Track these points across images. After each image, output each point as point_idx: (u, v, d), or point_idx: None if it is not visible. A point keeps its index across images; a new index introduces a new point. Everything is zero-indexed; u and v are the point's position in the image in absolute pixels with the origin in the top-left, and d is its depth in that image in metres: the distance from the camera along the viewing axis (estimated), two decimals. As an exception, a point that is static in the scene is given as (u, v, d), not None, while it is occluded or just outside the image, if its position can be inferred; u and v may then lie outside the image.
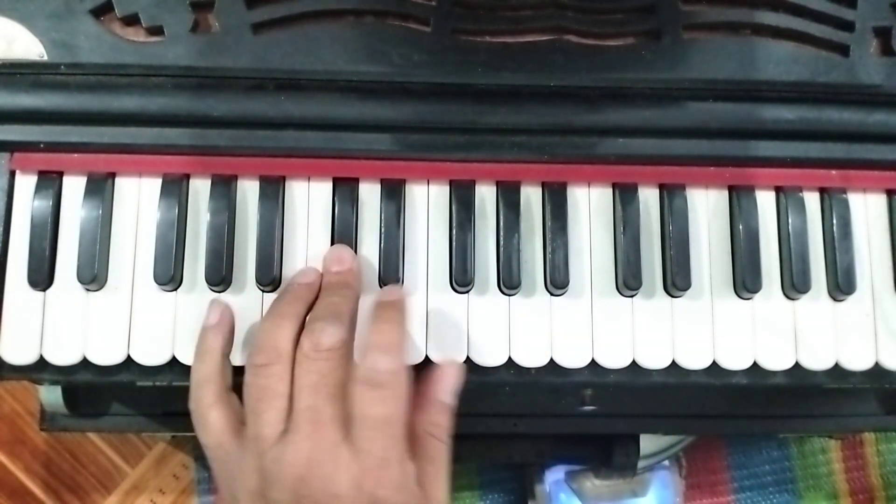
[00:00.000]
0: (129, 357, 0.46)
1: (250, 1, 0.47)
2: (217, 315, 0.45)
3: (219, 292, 0.46)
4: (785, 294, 0.48)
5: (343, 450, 0.40)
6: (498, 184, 0.48)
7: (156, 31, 0.47)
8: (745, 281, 0.47)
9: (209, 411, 0.43)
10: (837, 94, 0.48)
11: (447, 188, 0.48)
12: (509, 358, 0.46)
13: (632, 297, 0.47)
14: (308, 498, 0.40)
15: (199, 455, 0.73)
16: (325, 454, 0.40)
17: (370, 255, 0.47)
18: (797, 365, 0.47)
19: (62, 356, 0.45)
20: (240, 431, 0.43)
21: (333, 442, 0.40)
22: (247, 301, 0.46)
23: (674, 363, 0.47)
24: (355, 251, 0.47)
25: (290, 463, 0.40)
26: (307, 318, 0.44)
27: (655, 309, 0.47)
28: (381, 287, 0.47)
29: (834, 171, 0.49)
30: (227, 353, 0.45)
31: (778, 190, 0.49)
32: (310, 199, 0.47)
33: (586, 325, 0.47)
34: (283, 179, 0.47)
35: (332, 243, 0.46)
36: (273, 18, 0.47)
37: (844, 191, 0.49)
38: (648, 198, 0.48)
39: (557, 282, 0.46)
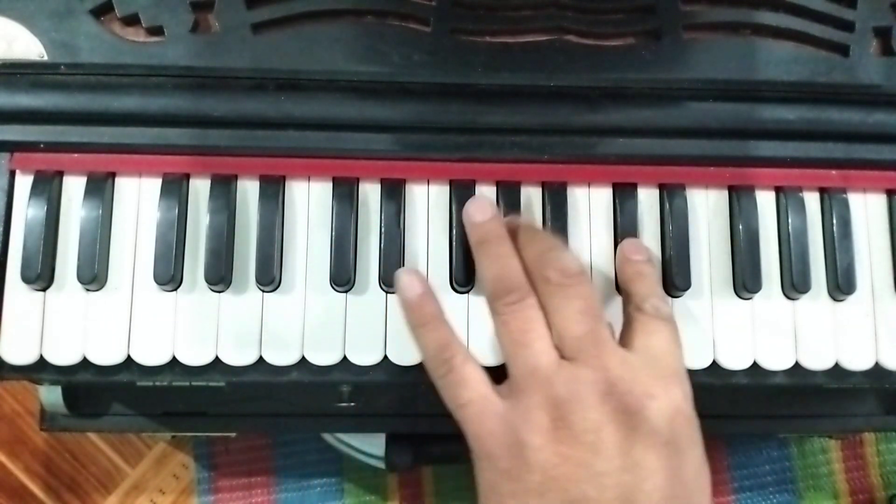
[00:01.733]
0: (129, 357, 0.46)
1: (250, 1, 0.47)
2: (418, 284, 0.44)
3: (219, 292, 0.46)
4: (785, 294, 0.48)
5: (635, 361, 0.40)
6: (498, 184, 0.48)
7: (156, 31, 0.47)
8: (745, 281, 0.47)
9: (465, 367, 0.41)
10: (837, 94, 0.48)
11: (447, 188, 0.48)
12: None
13: (632, 297, 0.47)
14: (619, 409, 0.38)
15: (199, 455, 0.73)
16: (622, 367, 0.39)
17: (370, 255, 0.47)
18: (797, 365, 0.47)
19: (62, 356, 0.45)
20: (494, 386, 0.41)
21: (622, 356, 0.40)
22: (247, 301, 0.46)
23: (674, 363, 0.47)
24: (355, 251, 0.47)
25: (591, 379, 0.38)
26: (527, 256, 0.43)
27: (655, 309, 0.47)
28: (381, 285, 0.47)
29: (834, 171, 0.49)
30: (444, 318, 0.43)
31: (778, 190, 0.49)
32: (310, 199, 0.47)
33: (586, 325, 0.47)
34: (283, 179, 0.47)
35: (333, 243, 0.46)
36: (273, 18, 0.47)
37: (844, 191, 0.49)
38: (648, 198, 0.48)
39: (557, 282, 0.46)
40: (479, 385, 0.41)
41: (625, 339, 0.43)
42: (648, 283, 0.45)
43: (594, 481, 0.37)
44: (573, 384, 0.38)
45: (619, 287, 0.47)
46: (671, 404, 0.39)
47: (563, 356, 0.40)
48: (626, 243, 0.46)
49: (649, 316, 0.43)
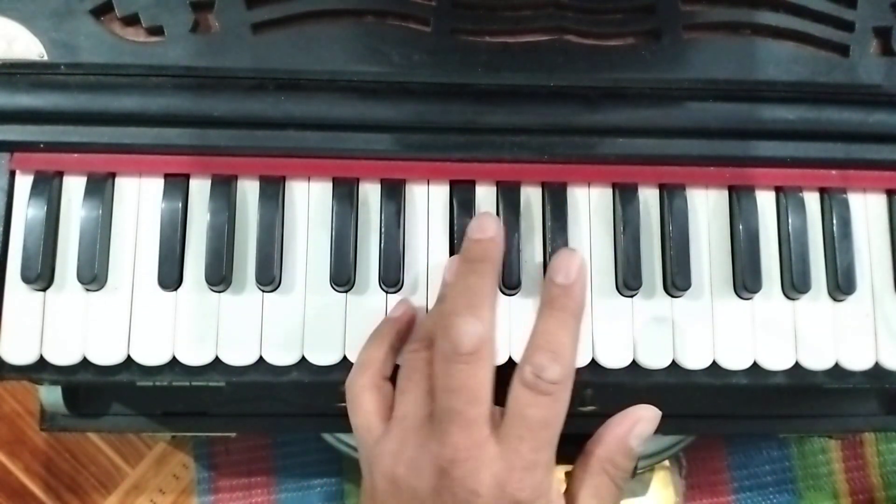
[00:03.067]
0: (129, 357, 0.46)
1: (250, 1, 0.47)
2: (400, 311, 0.45)
3: (219, 292, 0.46)
4: (785, 294, 0.48)
5: (490, 446, 0.39)
6: (498, 184, 0.48)
7: (156, 31, 0.47)
8: (745, 281, 0.47)
9: (363, 393, 0.43)
10: (837, 94, 0.48)
11: (447, 188, 0.48)
12: (510, 358, 0.46)
13: (632, 297, 0.47)
14: (447, 490, 0.39)
15: (199, 455, 0.73)
16: (470, 451, 0.39)
17: (370, 255, 0.47)
18: (797, 365, 0.47)
19: (62, 356, 0.45)
20: (387, 417, 0.42)
21: (477, 440, 0.39)
22: (247, 301, 0.46)
23: (674, 363, 0.47)
24: (355, 251, 0.47)
25: (434, 455, 0.39)
26: (440, 306, 0.43)
27: (655, 309, 0.47)
28: (382, 287, 0.47)
29: (834, 171, 0.49)
30: (396, 346, 0.44)
31: (778, 190, 0.49)
32: (310, 199, 0.47)
33: (586, 325, 0.47)
34: (283, 179, 0.47)
35: (333, 243, 0.46)
36: (273, 18, 0.47)
37: (844, 191, 0.49)
38: (648, 198, 0.48)
39: (557, 282, 0.46)
40: (368, 415, 0.43)
41: (506, 408, 0.41)
42: (552, 328, 0.42)
43: None
44: (419, 451, 0.40)
45: (619, 288, 0.47)
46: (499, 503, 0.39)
47: (431, 415, 0.41)
48: (559, 255, 0.44)
49: (526, 387, 0.40)
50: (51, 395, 0.55)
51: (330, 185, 0.47)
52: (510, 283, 0.46)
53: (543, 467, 0.40)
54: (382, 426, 0.42)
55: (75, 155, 0.47)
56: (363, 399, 0.43)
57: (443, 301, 0.45)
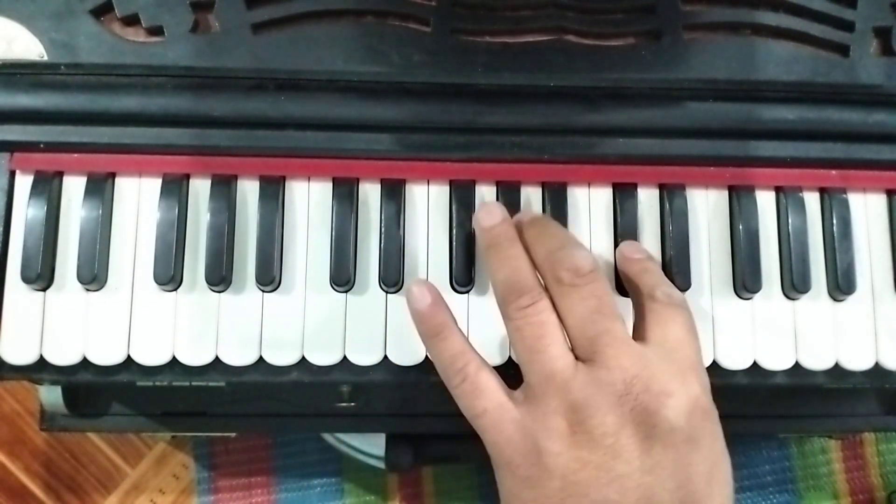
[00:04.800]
0: (129, 357, 0.46)
1: (250, 1, 0.47)
2: (429, 294, 0.43)
3: (219, 292, 0.46)
4: (785, 294, 0.48)
5: (652, 356, 0.39)
6: (498, 184, 0.48)
7: (156, 31, 0.47)
8: (745, 281, 0.47)
9: (479, 375, 0.40)
10: (837, 94, 0.48)
11: (447, 188, 0.48)
12: (509, 358, 0.46)
13: (632, 297, 0.47)
14: (637, 410, 0.37)
15: (199, 455, 0.73)
16: (638, 364, 0.38)
17: (370, 255, 0.47)
18: (797, 365, 0.47)
19: (62, 356, 0.45)
20: (510, 392, 0.41)
21: (639, 352, 0.39)
22: (247, 301, 0.46)
23: (674, 363, 0.47)
24: (355, 251, 0.47)
25: (607, 382, 0.38)
26: (537, 255, 0.42)
27: (655, 309, 0.47)
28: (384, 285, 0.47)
29: (834, 171, 0.49)
30: (459, 328, 0.43)
31: (778, 190, 0.49)
32: (310, 199, 0.47)
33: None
34: (283, 179, 0.47)
35: (333, 243, 0.46)
36: (273, 18, 0.47)
37: (844, 191, 0.49)
38: (648, 198, 0.48)
39: (557, 282, 0.46)
40: (495, 393, 0.40)
41: (639, 333, 0.42)
42: (655, 275, 0.44)
43: (615, 484, 0.37)
44: (589, 388, 0.38)
45: (619, 288, 0.47)
46: (689, 400, 0.38)
47: (578, 357, 0.39)
48: (625, 246, 0.46)
49: (662, 304, 0.42)
50: (51, 395, 0.55)
51: (330, 185, 0.47)
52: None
53: (697, 370, 0.41)
54: (512, 400, 0.40)
55: (75, 155, 0.47)
56: (485, 380, 0.40)
57: (501, 258, 0.43)
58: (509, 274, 0.41)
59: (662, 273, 0.45)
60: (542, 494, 0.38)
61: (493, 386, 0.40)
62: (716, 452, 0.39)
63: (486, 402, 0.40)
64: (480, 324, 0.46)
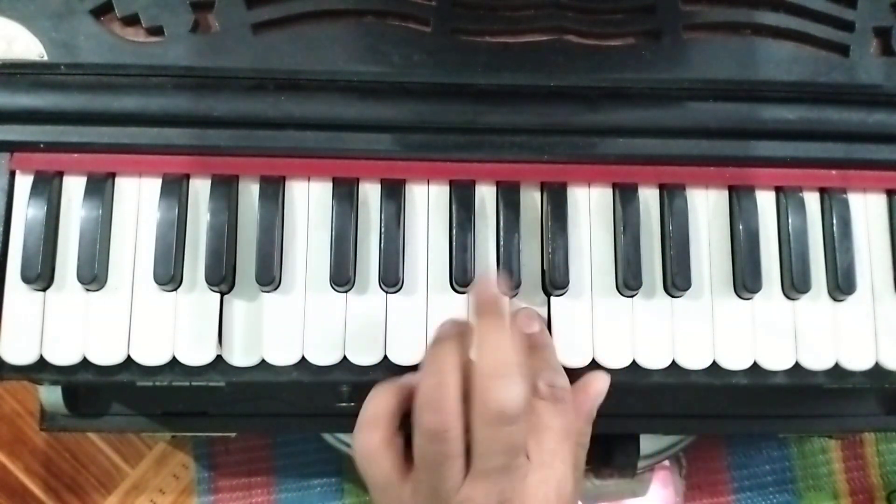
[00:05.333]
0: (129, 357, 0.46)
1: (250, 1, 0.47)
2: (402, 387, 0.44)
3: (219, 292, 0.46)
4: (785, 294, 0.48)
5: (530, 480, 0.41)
6: (498, 184, 0.48)
7: (156, 31, 0.47)
8: (745, 281, 0.47)
9: (378, 451, 0.42)
10: (837, 94, 0.48)
11: (447, 188, 0.48)
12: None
13: (632, 297, 0.47)
14: None
15: (198, 455, 0.73)
16: (515, 490, 0.41)
17: (370, 255, 0.47)
18: (797, 365, 0.47)
19: (62, 356, 0.45)
20: (406, 471, 0.42)
21: (521, 478, 0.41)
22: (247, 301, 0.46)
23: (674, 363, 0.47)
24: (355, 251, 0.47)
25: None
26: (477, 369, 0.40)
27: (655, 309, 0.47)
28: (381, 286, 0.47)
29: (834, 171, 0.49)
30: (400, 405, 0.43)
31: (778, 190, 0.49)
32: (310, 199, 0.47)
33: (586, 325, 0.47)
34: (283, 179, 0.47)
35: (333, 243, 0.46)
36: (273, 18, 0.47)
37: (844, 191, 0.49)
38: (648, 198, 0.48)
39: (557, 282, 0.46)
40: (388, 473, 0.43)
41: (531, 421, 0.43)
42: (548, 355, 0.45)
43: None
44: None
45: (619, 288, 0.47)
46: None
47: (468, 468, 0.41)
48: (521, 313, 0.46)
49: (543, 402, 0.43)
50: (51, 395, 0.55)
51: (330, 185, 0.47)
52: (510, 283, 0.46)
53: (577, 471, 0.44)
54: (402, 481, 0.42)
55: (75, 155, 0.47)
56: (380, 457, 0.42)
57: (447, 354, 0.42)
58: (432, 387, 0.41)
59: (552, 348, 0.46)
60: None
61: (388, 465, 0.43)
62: None
63: (376, 476, 0.43)
64: (480, 324, 0.46)
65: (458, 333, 0.43)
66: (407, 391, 0.43)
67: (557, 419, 0.43)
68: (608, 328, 0.47)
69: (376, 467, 0.43)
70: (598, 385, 0.46)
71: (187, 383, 0.47)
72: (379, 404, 0.43)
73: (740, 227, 0.47)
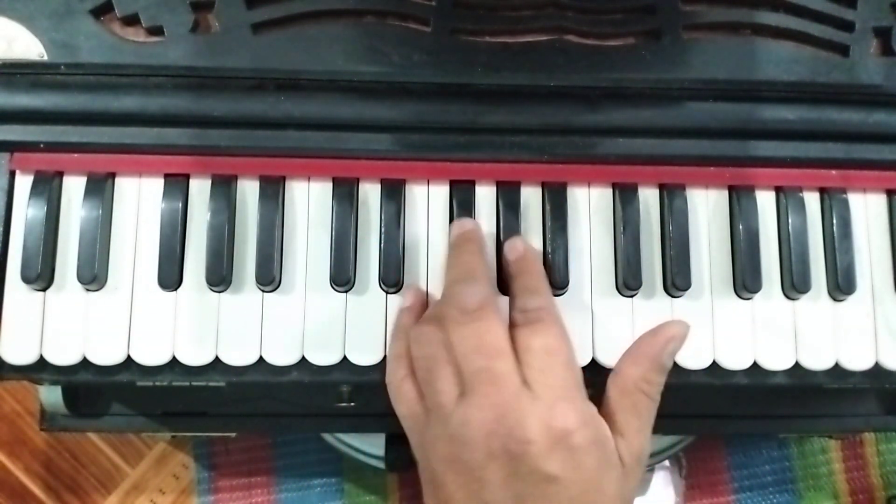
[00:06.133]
0: (129, 357, 0.46)
1: (250, 1, 0.47)
2: (411, 298, 0.46)
3: (219, 292, 0.46)
4: (785, 294, 0.48)
5: (524, 394, 0.40)
6: (498, 184, 0.48)
7: (156, 31, 0.47)
8: (745, 281, 0.47)
9: (402, 384, 0.44)
10: (837, 94, 0.48)
11: (447, 188, 0.48)
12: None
13: (632, 297, 0.47)
14: (501, 450, 0.39)
15: (199, 455, 0.73)
16: (509, 404, 0.40)
17: (370, 255, 0.47)
18: (797, 365, 0.47)
19: (62, 356, 0.45)
20: (422, 405, 0.43)
21: (513, 391, 0.40)
22: (247, 301, 0.46)
23: (674, 363, 0.47)
24: (355, 251, 0.47)
25: (478, 421, 0.40)
26: (444, 284, 0.45)
27: (655, 309, 0.47)
28: (381, 285, 0.47)
29: (834, 171, 0.49)
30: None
31: (778, 190, 0.49)
32: (310, 199, 0.47)
33: (586, 324, 0.47)
34: (283, 179, 0.47)
35: (333, 243, 0.46)
36: (273, 18, 0.47)
37: (844, 191, 0.49)
38: (648, 198, 0.48)
39: (557, 282, 0.46)
40: (412, 404, 0.44)
41: (517, 359, 0.43)
42: (522, 280, 0.45)
43: None
44: (463, 426, 0.40)
45: (619, 288, 0.47)
46: (550, 443, 0.40)
47: (462, 389, 0.41)
48: (507, 243, 0.47)
49: (518, 328, 0.43)
50: (51, 395, 0.55)
51: (330, 185, 0.47)
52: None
53: (575, 391, 0.42)
54: (425, 411, 0.43)
55: (75, 155, 0.47)
56: (404, 389, 0.44)
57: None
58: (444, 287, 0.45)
59: (535, 271, 0.46)
60: (433, 495, 0.42)
61: (411, 395, 0.44)
62: (581, 484, 0.40)
63: (402, 408, 0.44)
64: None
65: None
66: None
67: (536, 338, 0.42)
68: (608, 328, 0.47)
69: (402, 400, 0.44)
70: (672, 330, 0.44)
71: (187, 383, 0.47)
72: (396, 342, 0.45)
73: (740, 227, 0.47)
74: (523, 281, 0.45)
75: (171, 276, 0.45)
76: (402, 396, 0.44)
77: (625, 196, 0.48)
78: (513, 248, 0.46)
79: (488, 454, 0.40)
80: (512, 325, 0.43)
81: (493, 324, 0.42)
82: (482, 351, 0.41)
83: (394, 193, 0.47)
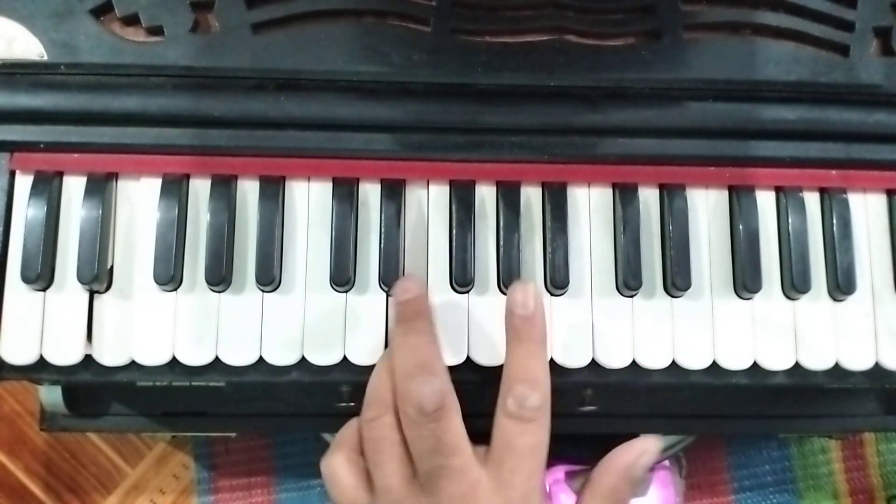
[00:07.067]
0: (129, 357, 0.46)
1: (250, 1, 0.47)
2: (413, 287, 0.45)
3: (219, 292, 0.46)
4: (785, 294, 0.48)
5: (483, 485, 0.41)
6: (498, 184, 0.48)
7: (156, 31, 0.47)
8: (745, 281, 0.47)
9: (339, 469, 0.44)
10: (837, 94, 0.48)
11: (447, 188, 0.48)
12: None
13: (632, 297, 0.47)
14: None
15: (199, 455, 0.73)
16: (467, 497, 0.41)
17: (370, 255, 0.47)
18: (797, 365, 0.47)
19: (62, 356, 0.45)
20: (370, 490, 0.43)
21: (472, 482, 0.41)
22: (247, 301, 0.46)
23: (674, 363, 0.47)
24: (355, 251, 0.47)
25: None
26: (396, 374, 0.43)
27: (655, 309, 0.47)
28: (381, 287, 0.47)
29: (834, 171, 0.49)
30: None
31: (778, 190, 0.49)
32: (310, 199, 0.47)
33: (586, 325, 0.47)
34: (283, 179, 0.47)
35: (333, 243, 0.46)
36: (273, 18, 0.47)
37: (844, 191, 0.49)
38: (648, 198, 0.48)
39: (557, 282, 0.46)
40: (350, 490, 0.43)
41: (490, 443, 0.42)
42: (525, 358, 0.43)
43: None
44: None
45: (619, 288, 0.47)
46: None
47: (416, 476, 0.41)
48: (516, 292, 0.44)
49: (511, 419, 0.42)
50: (51, 395, 0.55)
51: (330, 185, 0.47)
52: (510, 283, 0.46)
53: (538, 493, 0.42)
54: (368, 497, 0.43)
55: (75, 155, 0.47)
56: (340, 475, 0.43)
57: (386, 360, 0.45)
58: (372, 381, 0.44)
59: (539, 339, 0.44)
60: None
61: (349, 482, 0.43)
62: None
63: (340, 495, 0.44)
64: (480, 323, 0.46)
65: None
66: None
67: (524, 437, 0.42)
68: (608, 328, 0.47)
69: (339, 486, 0.44)
70: (644, 444, 0.45)
71: (187, 383, 0.47)
72: (343, 432, 0.45)
73: (740, 227, 0.47)
74: (526, 362, 0.43)
75: (170, 276, 0.45)
76: (339, 483, 0.43)
77: (625, 196, 0.48)
78: (523, 303, 0.43)
79: None
80: (499, 410, 0.42)
81: (452, 422, 0.41)
82: (441, 451, 0.41)
83: (394, 193, 0.47)
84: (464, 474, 0.41)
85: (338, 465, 0.44)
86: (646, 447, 0.45)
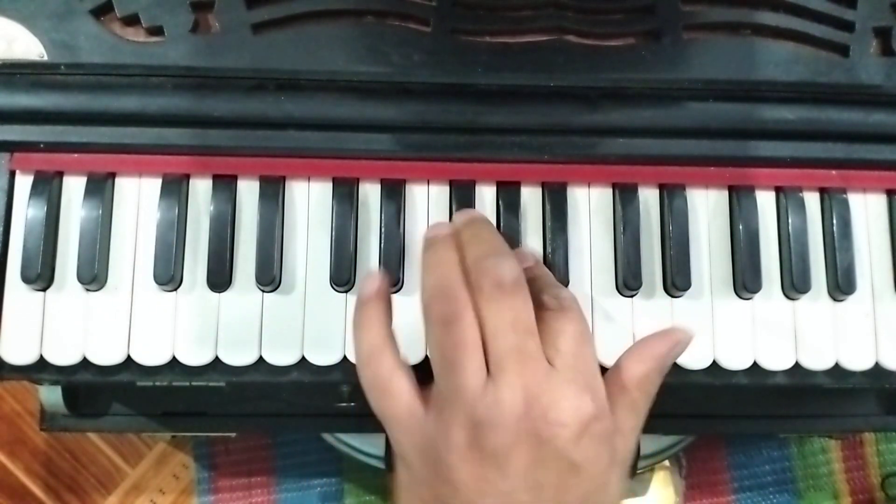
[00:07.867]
0: (129, 357, 0.46)
1: (250, 1, 0.47)
2: (374, 286, 0.42)
3: (219, 292, 0.46)
4: (785, 294, 0.48)
5: (554, 376, 0.39)
6: (498, 184, 0.48)
7: (156, 31, 0.47)
8: (745, 281, 0.47)
9: (392, 378, 0.40)
10: (837, 94, 0.48)
11: (447, 188, 0.48)
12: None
13: (632, 297, 0.47)
14: (530, 434, 0.38)
15: (199, 455, 0.74)
16: (541, 386, 0.38)
17: (370, 255, 0.47)
18: (797, 365, 0.47)
19: (62, 356, 0.45)
20: (425, 399, 0.40)
21: (545, 372, 0.39)
22: (247, 301, 0.46)
23: (674, 363, 0.47)
24: (355, 251, 0.47)
25: (510, 402, 0.38)
26: (467, 260, 0.41)
27: (655, 309, 0.47)
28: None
29: (834, 171, 0.49)
30: (389, 321, 0.42)
31: (778, 190, 0.49)
32: (310, 199, 0.47)
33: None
34: (283, 179, 0.47)
35: (333, 243, 0.46)
36: (273, 18, 0.47)
37: (844, 191, 0.49)
38: (648, 198, 0.48)
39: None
40: (408, 400, 0.40)
41: (542, 344, 0.41)
42: (540, 280, 0.43)
43: (497, 499, 0.38)
44: (492, 408, 0.38)
45: (619, 288, 0.47)
46: (580, 429, 0.38)
47: (489, 368, 0.39)
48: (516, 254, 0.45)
49: (550, 312, 0.41)
50: (51, 395, 0.55)
51: (330, 185, 0.47)
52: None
53: (601, 382, 0.41)
54: (424, 406, 0.40)
55: (75, 155, 0.47)
56: (396, 383, 0.40)
57: (432, 265, 0.43)
58: (438, 279, 0.41)
59: (549, 274, 0.45)
60: (433, 496, 0.39)
61: (407, 390, 0.40)
62: (596, 479, 0.39)
63: (395, 406, 0.40)
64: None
65: (449, 234, 0.43)
66: (388, 317, 0.42)
67: (570, 324, 0.40)
68: (608, 328, 0.47)
69: (394, 397, 0.40)
70: (679, 334, 0.43)
71: (187, 383, 0.47)
72: (371, 332, 0.41)
73: (740, 227, 0.48)
74: (546, 279, 0.44)
75: (170, 276, 0.45)
76: (396, 394, 0.40)
77: (625, 196, 0.48)
78: (524, 256, 0.45)
79: (516, 438, 0.38)
80: (541, 310, 0.41)
81: (529, 302, 0.40)
82: (517, 328, 0.39)
83: (394, 193, 0.47)
84: (537, 361, 0.39)
85: (391, 373, 0.40)
86: (679, 338, 0.43)
